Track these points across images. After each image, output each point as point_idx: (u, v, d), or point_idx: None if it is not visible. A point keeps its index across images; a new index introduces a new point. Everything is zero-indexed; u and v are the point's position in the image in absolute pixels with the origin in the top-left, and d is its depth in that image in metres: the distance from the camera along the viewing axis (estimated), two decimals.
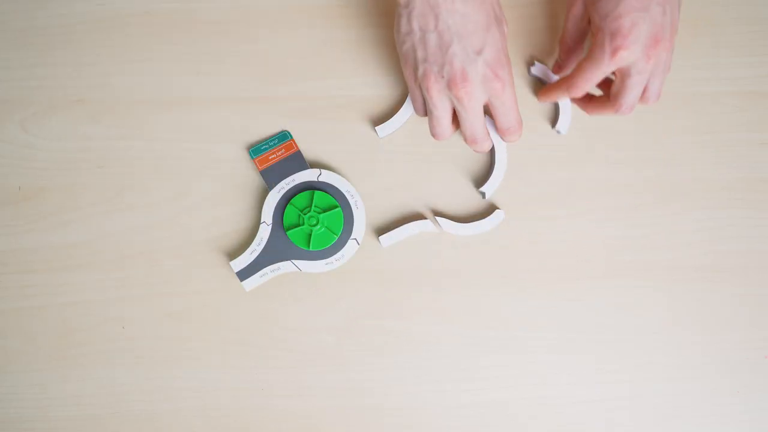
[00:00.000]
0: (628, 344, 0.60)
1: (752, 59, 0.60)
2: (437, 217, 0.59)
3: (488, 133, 0.55)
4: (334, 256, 0.59)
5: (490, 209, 0.60)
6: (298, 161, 0.59)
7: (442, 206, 0.60)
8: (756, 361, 0.60)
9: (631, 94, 0.52)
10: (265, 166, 0.59)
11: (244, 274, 0.59)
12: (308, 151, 0.60)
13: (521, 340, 0.60)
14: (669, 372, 0.60)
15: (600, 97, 0.56)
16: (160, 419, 0.59)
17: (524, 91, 0.61)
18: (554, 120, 0.60)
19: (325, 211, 0.58)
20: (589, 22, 0.53)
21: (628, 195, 0.60)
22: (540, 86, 0.60)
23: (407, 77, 0.54)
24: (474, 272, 0.60)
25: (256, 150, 0.60)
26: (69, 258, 0.59)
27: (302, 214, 0.58)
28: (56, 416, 0.59)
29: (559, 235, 0.60)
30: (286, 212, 0.59)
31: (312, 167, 0.60)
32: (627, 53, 0.49)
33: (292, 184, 0.59)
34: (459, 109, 0.52)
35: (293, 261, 0.59)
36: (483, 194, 0.59)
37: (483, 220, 0.59)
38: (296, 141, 0.60)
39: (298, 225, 0.58)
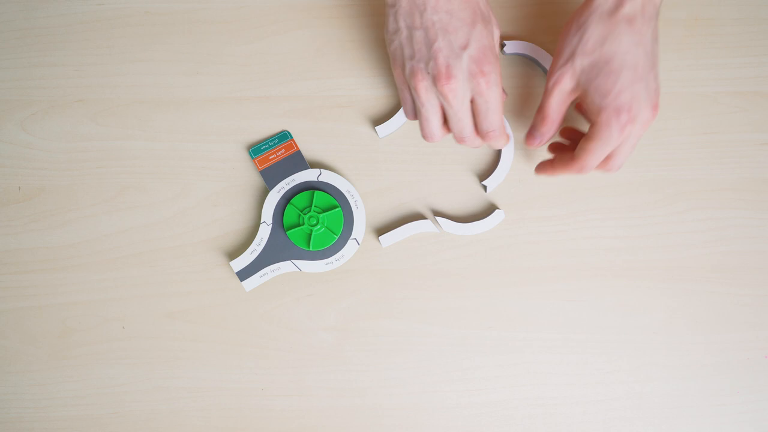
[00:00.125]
0: (628, 344, 0.60)
1: (752, 59, 0.60)
2: (437, 217, 0.59)
3: (476, 132, 0.54)
4: (334, 256, 0.59)
5: (490, 209, 0.60)
6: (298, 161, 0.59)
7: (442, 206, 0.60)
8: (756, 361, 0.60)
9: (622, 157, 0.52)
10: (265, 166, 0.59)
11: (244, 274, 0.59)
12: (308, 151, 0.60)
13: (521, 340, 0.60)
14: (669, 372, 0.60)
15: (562, 158, 0.55)
16: (160, 419, 0.59)
17: (532, 92, 0.61)
18: (485, 176, 0.60)
19: (325, 211, 0.58)
20: (576, 96, 0.52)
21: (628, 195, 0.60)
22: (518, 65, 0.60)
23: (396, 78, 0.54)
24: (474, 272, 0.60)
25: (256, 150, 0.60)
26: (69, 258, 0.59)
27: (302, 214, 0.58)
28: (56, 416, 0.59)
29: (559, 235, 0.60)
30: (286, 212, 0.59)
31: (312, 167, 0.60)
32: (633, 126, 0.50)
33: (292, 184, 0.59)
34: (445, 106, 0.51)
35: (293, 261, 0.59)
36: (485, 187, 0.59)
37: (483, 220, 0.59)
38: (296, 141, 0.60)
39: (298, 225, 0.58)
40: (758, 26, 0.60)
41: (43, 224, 0.60)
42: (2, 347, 0.59)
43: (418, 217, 0.60)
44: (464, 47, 0.50)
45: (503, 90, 0.56)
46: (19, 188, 0.60)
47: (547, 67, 0.59)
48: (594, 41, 0.50)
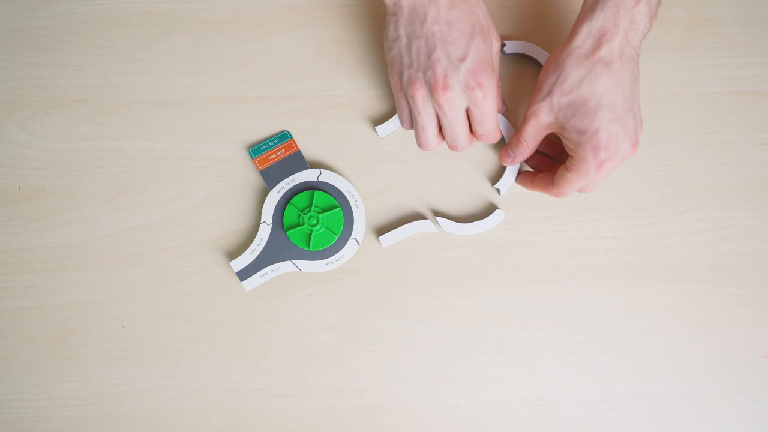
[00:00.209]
0: (628, 344, 0.60)
1: (752, 59, 0.60)
2: (437, 217, 0.59)
3: (471, 140, 0.55)
4: (334, 256, 0.59)
5: (490, 209, 0.60)
6: (298, 161, 0.59)
7: (442, 206, 0.60)
8: (756, 361, 0.60)
9: (596, 185, 0.54)
10: (265, 166, 0.59)
11: (244, 274, 0.59)
12: (308, 151, 0.60)
13: (521, 340, 0.60)
14: (669, 372, 0.60)
15: (543, 178, 0.56)
16: (160, 419, 0.59)
17: (532, 92, 0.60)
18: (490, 176, 0.60)
19: (325, 211, 0.58)
20: (554, 131, 0.53)
21: (628, 195, 0.60)
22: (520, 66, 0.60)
23: (393, 86, 0.54)
24: (474, 272, 0.60)
25: (256, 150, 0.60)
26: (69, 258, 0.59)
27: (302, 214, 0.58)
28: (56, 416, 0.59)
29: (559, 235, 0.60)
30: (286, 212, 0.59)
31: (312, 167, 0.60)
32: (612, 164, 0.51)
33: (292, 184, 0.59)
34: (440, 115, 0.52)
35: (293, 261, 0.59)
36: (498, 191, 0.59)
37: (483, 220, 0.59)
38: (296, 141, 0.60)
39: (298, 225, 0.58)
40: (758, 26, 0.60)
41: (43, 224, 0.60)
42: (2, 347, 0.59)
43: (418, 217, 0.60)
44: (462, 59, 0.50)
45: (504, 102, 0.58)
46: (19, 188, 0.60)
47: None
48: (571, 81, 0.51)
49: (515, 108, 0.60)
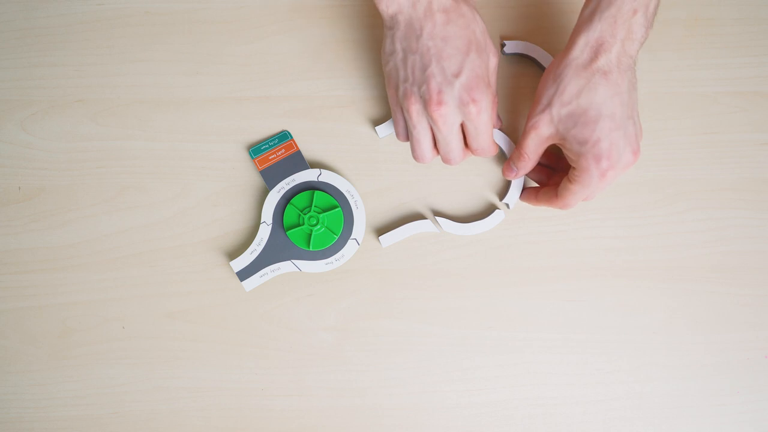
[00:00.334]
0: (628, 344, 0.60)
1: (752, 59, 0.60)
2: (437, 217, 0.59)
3: (465, 154, 0.55)
4: (334, 256, 0.59)
5: (490, 209, 0.60)
6: (298, 161, 0.59)
7: (442, 206, 0.60)
8: (756, 361, 0.60)
9: (581, 198, 0.54)
10: (265, 166, 0.59)
11: (244, 274, 0.59)
12: (308, 151, 0.60)
13: (521, 340, 0.60)
14: (669, 372, 0.60)
15: (546, 192, 0.56)
16: (160, 419, 0.59)
17: (532, 92, 0.60)
18: (503, 194, 0.60)
19: (325, 211, 0.59)
20: (555, 143, 0.53)
21: (628, 195, 0.60)
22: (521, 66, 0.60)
23: (390, 98, 0.55)
24: (474, 272, 0.60)
25: (256, 150, 0.60)
26: (69, 258, 0.59)
27: (302, 214, 0.58)
28: (56, 416, 0.59)
29: (559, 235, 0.60)
30: (286, 212, 0.59)
31: (312, 167, 0.60)
32: (615, 173, 0.51)
33: (292, 184, 0.59)
34: (435, 129, 0.52)
35: (293, 261, 0.59)
36: (507, 205, 0.59)
37: (483, 220, 0.59)
38: (296, 141, 0.60)
39: (298, 225, 0.58)
40: (758, 26, 0.60)
41: (43, 224, 0.60)
42: (2, 347, 0.59)
43: (418, 217, 0.60)
44: (456, 75, 0.50)
45: (498, 117, 0.58)
46: (19, 188, 0.60)
47: (547, 67, 0.59)
48: (570, 92, 0.51)
49: (516, 109, 0.60)
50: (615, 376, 0.60)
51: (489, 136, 0.53)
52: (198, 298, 0.60)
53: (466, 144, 0.54)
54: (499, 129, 0.59)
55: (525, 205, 0.60)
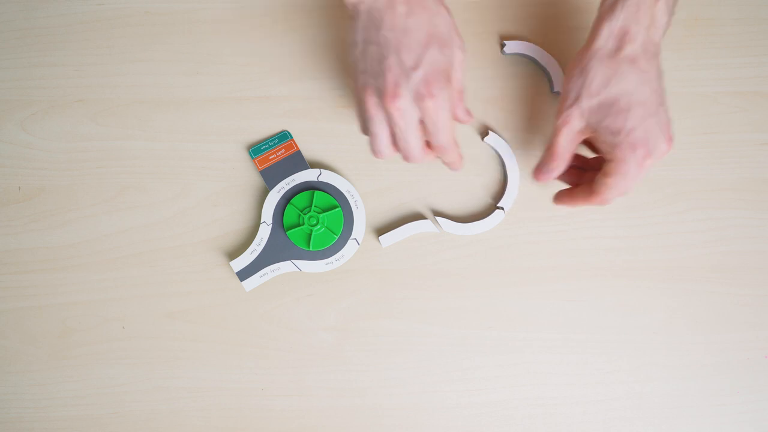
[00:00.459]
0: (628, 344, 0.60)
1: (752, 59, 0.60)
2: (437, 217, 0.59)
3: (425, 152, 0.52)
4: (334, 256, 0.59)
5: (490, 209, 0.60)
6: (298, 161, 0.59)
7: (442, 206, 0.60)
8: (756, 361, 0.60)
9: (619, 192, 0.52)
10: (265, 166, 0.59)
11: (244, 274, 0.59)
12: (308, 151, 0.60)
13: (521, 340, 0.60)
14: (669, 372, 0.60)
15: (582, 191, 0.55)
16: (160, 419, 0.59)
17: (532, 92, 0.60)
18: (499, 197, 0.60)
19: (325, 211, 0.59)
20: (587, 137, 0.52)
21: (628, 195, 0.60)
22: (518, 67, 0.60)
23: (353, 90, 0.53)
24: (474, 272, 0.60)
25: (256, 150, 0.60)
26: (69, 258, 0.59)
27: (302, 214, 0.58)
28: (56, 416, 0.59)
29: (559, 235, 0.60)
30: (286, 212, 0.59)
31: (312, 167, 0.60)
32: (652, 160, 0.50)
33: (292, 184, 0.59)
34: (392, 124, 0.50)
35: (293, 261, 0.59)
36: (502, 209, 0.59)
37: (483, 220, 0.59)
38: (296, 141, 0.60)
39: (298, 225, 0.58)
40: (758, 26, 0.60)
41: (43, 224, 0.60)
42: (2, 347, 0.59)
43: (418, 217, 0.60)
44: (414, 68, 0.48)
45: (469, 112, 0.54)
46: (19, 188, 0.60)
47: (547, 67, 0.59)
48: (598, 83, 0.50)
49: (516, 110, 0.60)
50: (615, 376, 0.60)
51: (449, 133, 0.51)
52: (198, 298, 0.60)
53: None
54: (470, 124, 0.57)
55: (524, 205, 0.60)
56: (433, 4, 0.50)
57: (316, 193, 0.59)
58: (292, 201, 0.59)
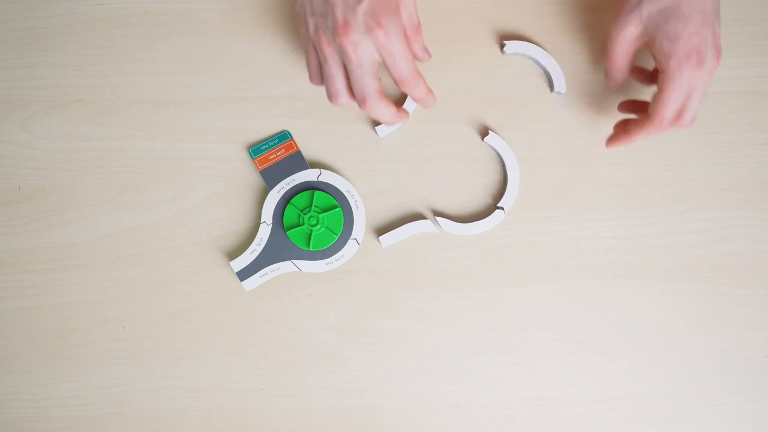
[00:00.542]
0: (628, 344, 0.60)
1: (752, 59, 0.60)
2: (437, 217, 0.59)
3: (381, 96, 0.52)
4: (334, 256, 0.59)
5: (490, 209, 0.60)
6: (298, 161, 0.59)
7: (442, 206, 0.60)
8: (756, 361, 0.60)
9: (696, 106, 0.52)
10: (265, 166, 0.59)
11: (244, 274, 0.59)
12: (308, 151, 0.60)
13: (521, 340, 0.60)
14: (669, 372, 0.60)
15: (636, 123, 0.54)
16: (160, 419, 0.59)
17: (532, 92, 0.60)
18: (499, 197, 0.60)
19: (325, 211, 0.59)
20: (642, 43, 0.53)
21: (628, 195, 0.60)
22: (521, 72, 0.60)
23: (301, 38, 0.54)
24: (474, 272, 0.60)
25: (256, 150, 0.60)
26: (69, 258, 0.59)
27: (302, 214, 0.58)
28: (56, 416, 0.59)
29: (559, 234, 0.60)
30: (286, 212, 0.59)
31: (312, 167, 0.60)
32: (703, 69, 0.50)
33: (292, 184, 0.59)
34: (346, 62, 0.51)
35: (293, 261, 0.59)
36: (502, 209, 0.59)
37: (483, 220, 0.59)
38: (296, 141, 0.60)
39: (298, 225, 0.58)
40: (758, 26, 0.60)
41: (43, 224, 0.60)
42: (2, 347, 0.59)
43: (418, 217, 0.60)
44: (359, 1, 0.49)
45: (426, 50, 0.55)
46: (19, 188, 0.60)
47: (547, 67, 0.59)
48: None
49: (516, 110, 0.60)
50: (615, 376, 0.60)
51: (408, 63, 0.51)
52: (198, 298, 0.60)
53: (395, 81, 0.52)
54: (427, 62, 0.57)
55: (524, 205, 0.60)
56: None
57: (316, 193, 0.59)
58: (292, 201, 0.59)
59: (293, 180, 0.59)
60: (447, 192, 0.60)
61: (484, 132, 0.60)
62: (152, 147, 0.60)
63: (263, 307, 0.60)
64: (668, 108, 0.52)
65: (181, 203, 0.60)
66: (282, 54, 0.60)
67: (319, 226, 0.58)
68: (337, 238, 0.59)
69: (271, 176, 0.59)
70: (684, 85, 0.51)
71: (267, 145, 0.60)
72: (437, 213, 0.60)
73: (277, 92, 0.60)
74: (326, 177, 0.59)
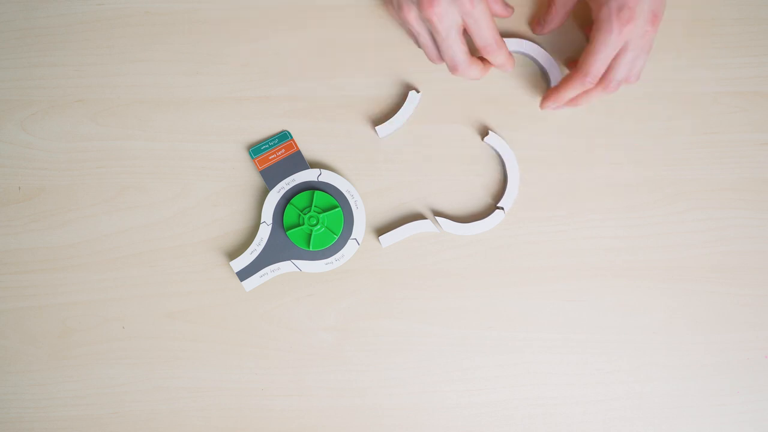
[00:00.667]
0: (628, 344, 0.60)
1: (752, 59, 0.60)
2: (437, 217, 0.59)
3: (470, 60, 0.53)
4: (334, 256, 0.59)
5: (490, 209, 0.60)
6: (298, 161, 0.59)
7: (442, 206, 0.60)
8: (756, 361, 0.60)
9: (621, 70, 0.52)
10: (265, 166, 0.59)
11: (244, 274, 0.59)
12: (308, 151, 0.60)
13: (521, 340, 0.60)
14: (669, 372, 0.60)
15: (567, 79, 0.55)
16: (160, 419, 0.59)
17: (532, 91, 0.61)
18: (499, 197, 0.60)
19: (325, 211, 0.59)
20: None
21: (628, 195, 0.60)
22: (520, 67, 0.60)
23: (397, 18, 0.55)
24: (474, 272, 0.60)
25: (256, 150, 0.60)
26: (69, 258, 0.59)
27: (302, 214, 0.58)
28: (56, 416, 0.59)
29: (559, 234, 0.60)
30: (286, 212, 0.59)
31: (312, 167, 0.60)
32: (633, 26, 0.50)
33: (292, 184, 0.59)
34: (434, 33, 0.52)
35: (293, 261, 0.59)
36: (502, 209, 0.59)
37: (483, 220, 0.59)
38: (296, 141, 0.60)
39: (298, 225, 0.58)
40: (758, 26, 0.60)
41: (43, 224, 0.60)
42: (2, 347, 0.59)
43: (418, 217, 0.60)
44: None
45: (508, 5, 0.57)
46: (19, 188, 0.60)
47: (547, 67, 0.59)
48: None
49: (515, 110, 0.60)
50: (615, 376, 0.60)
51: (491, 28, 0.52)
52: (198, 298, 0.60)
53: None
54: (509, 17, 0.58)
55: (524, 205, 0.60)
56: None
57: (316, 193, 0.59)
58: (292, 201, 0.59)
59: (293, 180, 0.59)
60: (447, 192, 0.60)
61: (484, 132, 0.60)
62: (152, 147, 0.60)
63: (263, 307, 0.60)
64: (594, 60, 0.52)
65: (181, 203, 0.60)
66: (282, 54, 0.60)
67: (319, 226, 0.58)
68: (337, 238, 0.59)
69: (271, 176, 0.59)
70: (612, 39, 0.50)
71: (267, 145, 0.60)
72: (437, 213, 0.60)
73: (277, 92, 0.60)
74: (326, 177, 0.59)
